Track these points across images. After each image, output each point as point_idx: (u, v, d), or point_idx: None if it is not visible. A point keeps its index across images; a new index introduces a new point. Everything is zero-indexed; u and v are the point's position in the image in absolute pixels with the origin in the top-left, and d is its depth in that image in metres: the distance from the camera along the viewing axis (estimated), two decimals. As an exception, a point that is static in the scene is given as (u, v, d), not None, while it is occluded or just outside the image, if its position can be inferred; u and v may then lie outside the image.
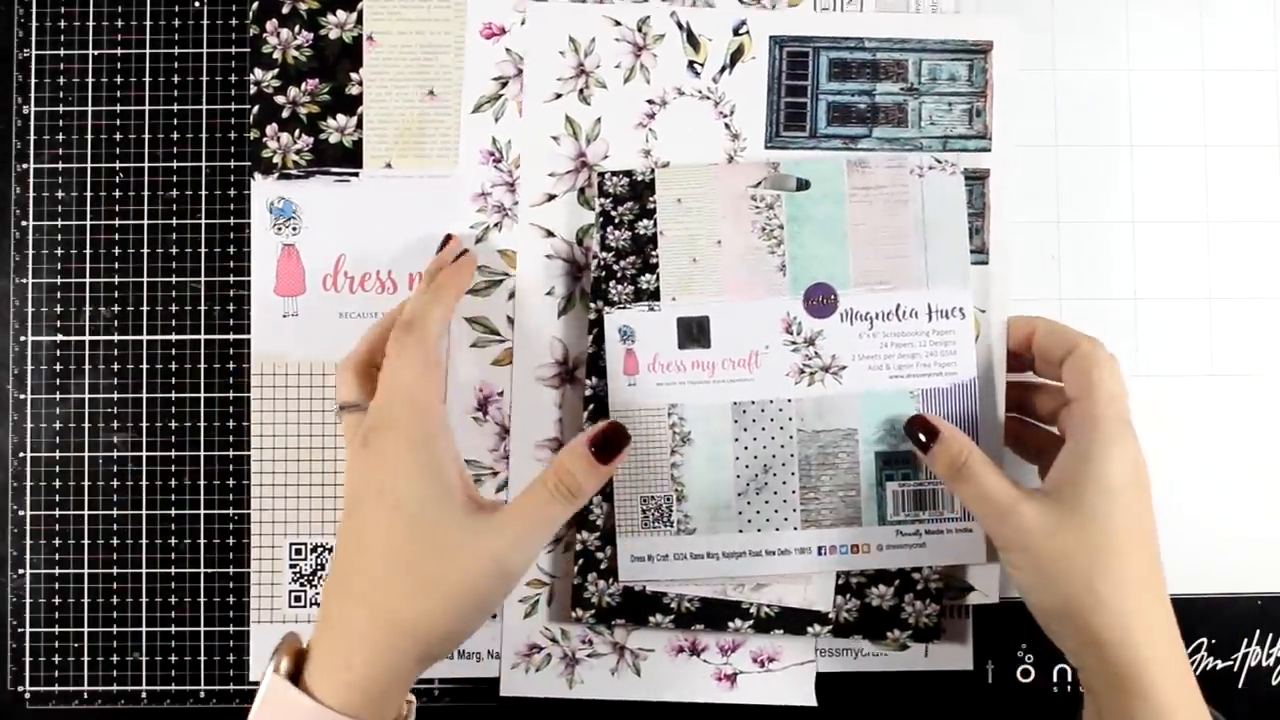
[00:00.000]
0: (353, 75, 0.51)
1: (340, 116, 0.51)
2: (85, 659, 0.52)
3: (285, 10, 0.52)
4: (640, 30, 0.49)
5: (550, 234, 0.50)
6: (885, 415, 0.49)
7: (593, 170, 0.50)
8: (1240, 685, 0.52)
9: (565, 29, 0.50)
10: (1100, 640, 0.42)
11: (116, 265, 0.52)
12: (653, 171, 0.49)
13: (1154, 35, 0.53)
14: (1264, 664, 0.52)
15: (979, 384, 0.49)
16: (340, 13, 0.51)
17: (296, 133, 0.51)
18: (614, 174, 0.49)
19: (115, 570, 0.52)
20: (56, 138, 0.53)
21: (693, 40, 0.50)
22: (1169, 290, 0.53)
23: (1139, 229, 0.53)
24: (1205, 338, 0.53)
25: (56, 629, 0.52)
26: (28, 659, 0.52)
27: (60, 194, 0.52)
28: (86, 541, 0.52)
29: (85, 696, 0.52)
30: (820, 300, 0.48)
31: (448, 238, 0.49)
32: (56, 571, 0.52)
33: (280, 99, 0.52)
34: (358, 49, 0.51)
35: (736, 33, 0.50)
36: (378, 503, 0.41)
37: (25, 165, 0.52)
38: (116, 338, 0.52)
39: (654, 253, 0.49)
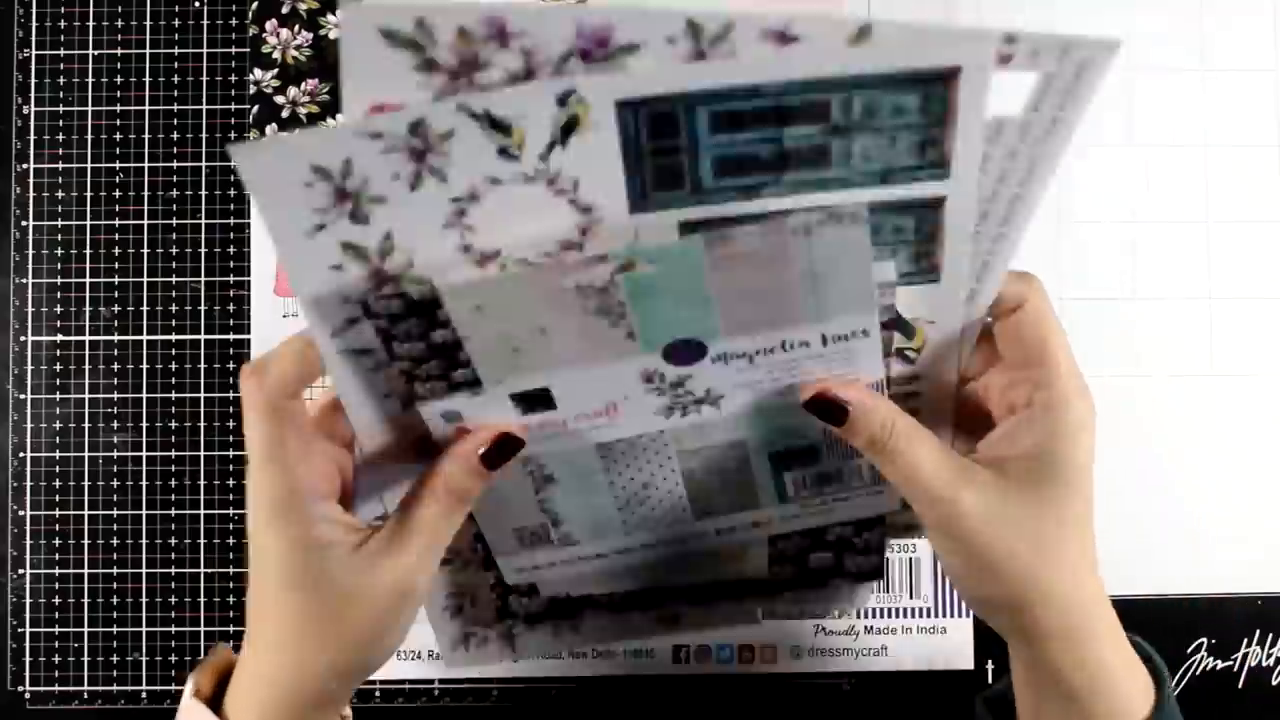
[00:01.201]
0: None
1: (340, 117, 0.51)
2: (85, 659, 0.52)
3: (285, 10, 0.52)
4: (415, 135, 0.35)
5: (366, 352, 0.39)
6: (776, 424, 0.41)
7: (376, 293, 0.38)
8: (1240, 685, 0.52)
9: (300, 163, 0.35)
10: (1042, 630, 0.38)
11: (116, 265, 0.52)
12: (433, 290, 0.37)
13: (1154, 35, 0.53)
14: (1264, 664, 0.52)
15: (929, 398, 0.43)
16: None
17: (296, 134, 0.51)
18: (380, 297, 0.37)
19: (115, 570, 0.52)
20: (56, 138, 0.53)
21: (497, 126, 0.37)
22: (1169, 290, 0.53)
23: (1139, 229, 0.53)
24: (1205, 338, 0.53)
25: (56, 629, 0.52)
26: (28, 659, 0.52)
27: (60, 194, 0.53)
28: (86, 541, 0.52)
29: (85, 696, 0.52)
30: (685, 351, 0.39)
31: None
32: (56, 571, 0.52)
33: (280, 99, 0.52)
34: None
35: (563, 103, 0.36)
36: (262, 564, 0.39)
37: (25, 165, 0.52)
38: (116, 338, 0.52)
39: (461, 354, 0.38)
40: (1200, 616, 0.52)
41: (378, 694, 0.51)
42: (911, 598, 0.52)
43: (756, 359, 0.39)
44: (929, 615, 0.52)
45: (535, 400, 0.40)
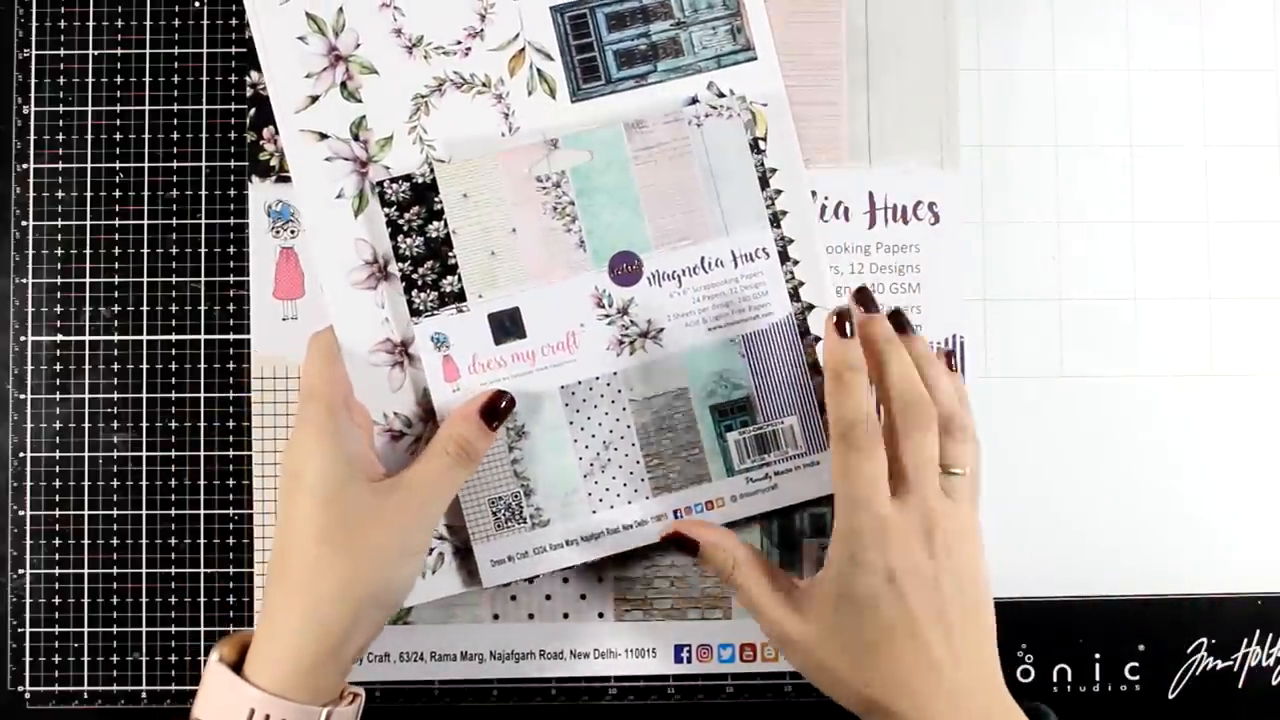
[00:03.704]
0: (353, 75, 0.51)
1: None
2: (85, 659, 0.52)
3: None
4: None
5: (324, 135, 0.50)
6: (712, 369, 0.49)
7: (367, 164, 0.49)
8: (1240, 685, 0.52)
9: None
10: None
11: (116, 265, 0.52)
12: (432, 171, 0.48)
13: (1154, 35, 0.53)
14: (1264, 664, 0.52)
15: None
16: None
17: (296, 133, 0.52)
18: (393, 180, 0.48)
19: (115, 570, 0.52)
20: (56, 138, 0.53)
21: None
22: (1169, 290, 0.53)
23: (1139, 229, 0.53)
24: (1205, 338, 0.53)
25: (56, 629, 0.52)
26: (28, 659, 0.52)
27: (60, 194, 0.53)
28: (86, 541, 0.52)
29: (85, 696, 0.52)
30: (625, 269, 0.48)
31: None
32: (56, 571, 0.52)
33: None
34: (358, 49, 0.51)
35: None
36: (295, 487, 0.44)
37: (25, 165, 0.52)
38: (116, 338, 0.52)
39: (450, 254, 0.48)
40: (1200, 616, 0.52)
41: (378, 694, 0.51)
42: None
43: (684, 281, 0.49)
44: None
45: (508, 324, 0.48)
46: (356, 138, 0.50)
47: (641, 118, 0.49)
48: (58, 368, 0.52)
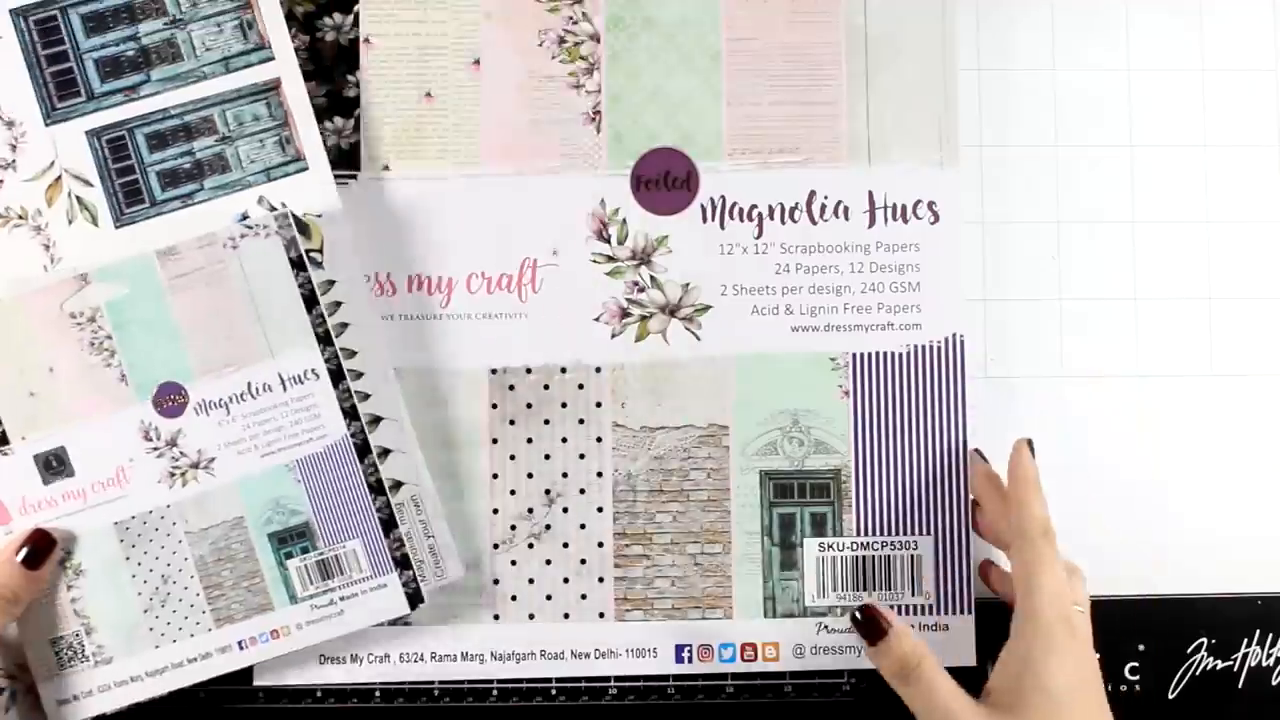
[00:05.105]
0: (350, 77, 0.51)
1: (338, 119, 0.51)
2: (86, 660, 0.52)
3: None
4: None
5: None
6: (268, 496, 0.48)
7: None
8: (1240, 685, 0.52)
9: None
10: None
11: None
12: None
13: (1154, 35, 0.53)
14: (1264, 664, 0.52)
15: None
16: (337, 15, 0.51)
17: (293, 134, 0.52)
18: None
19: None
20: (55, 140, 0.52)
21: None
22: (1169, 290, 0.53)
23: (1139, 229, 0.53)
24: (1205, 338, 0.53)
25: (58, 630, 0.52)
26: (29, 660, 0.52)
27: (59, 196, 0.52)
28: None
29: (87, 697, 0.52)
30: (170, 400, 0.47)
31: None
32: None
33: (276, 101, 0.52)
34: (355, 51, 0.51)
35: None
36: None
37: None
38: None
39: None
40: (1200, 616, 0.52)
41: (378, 694, 0.51)
42: (913, 594, 0.51)
43: (233, 409, 0.47)
44: (931, 612, 0.51)
45: (55, 464, 0.47)
46: None
47: (174, 244, 0.47)
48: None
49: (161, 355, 0.47)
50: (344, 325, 0.49)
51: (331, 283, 0.49)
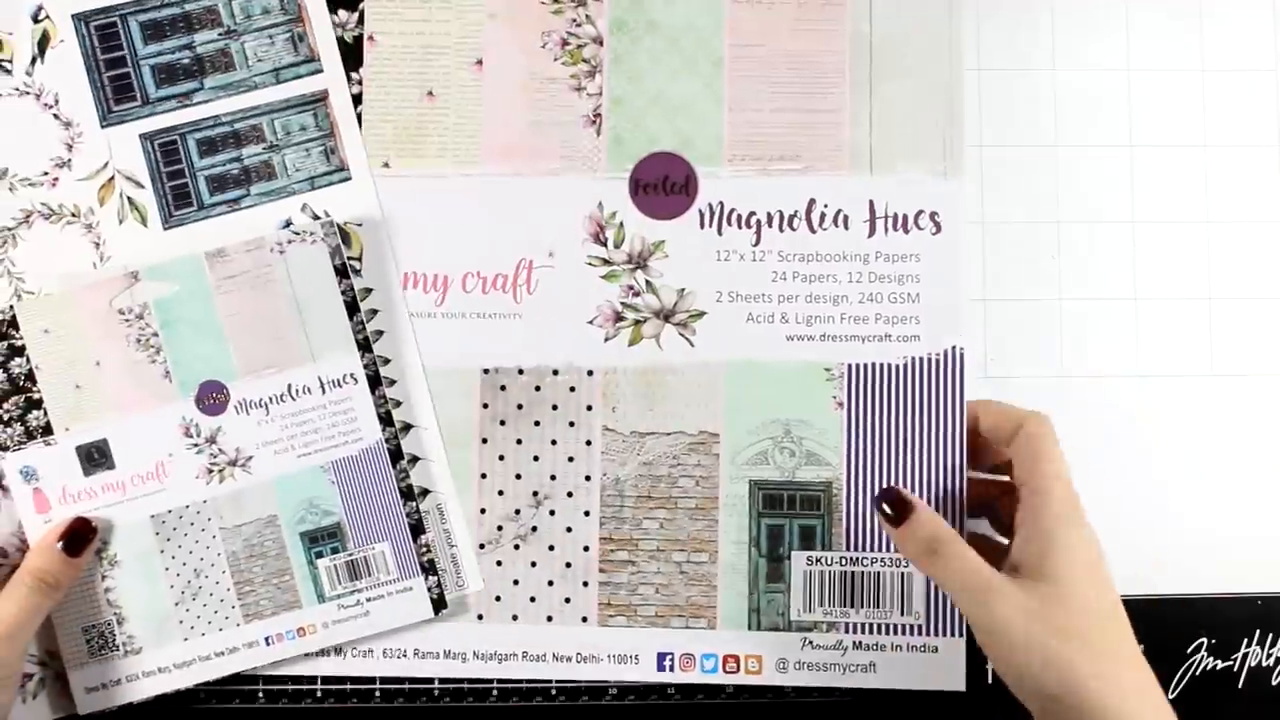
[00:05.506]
0: (352, 75, 0.51)
1: (340, 116, 0.51)
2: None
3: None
4: None
5: None
6: (302, 496, 0.49)
7: None
8: (1240, 685, 0.52)
9: None
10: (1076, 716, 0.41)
11: (116, 265, 0.52)
12: (12, 308, 0.48)
13: (1154, 35, 0.53)
14: (1264, 664, 0.52)
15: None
16: (343, 12, 0.51)
17: (294, 133, 0.52)
18: None
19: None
20: (56, 138, 0.52)
21: None
22: (1169, 290, 0.53)
23: (1139, 229, 0.53)
24: (1205, 338, 0.53)
25: (56, 629, 0.52)
26: (27, 659, 0.52)
27: (60, 194, 0.52)
28: (86, 541, 0.52)
29: (85, 696, 0.52)
30: (212, 399, 0.48)
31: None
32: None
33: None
34: (358, 49, 0.51)
35: (36, 20, 0.49)
36: None
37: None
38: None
39: (35, 389, 0.48)
40: (1200, 616, 0.52)
41: (378, 694, 0.51)
42: (903, 614, 0.50)
43: (272, 409, 0.48)
44: (920, 633, 0.50)
45: (96, 456, 0.48)
46: None
47: (223, 247, 0.49)
48: (57, 367, 0.52)
49: (205, 354, 0.48)
50: (379, 332, 0.50)
51: (369, 290, 0.50)
